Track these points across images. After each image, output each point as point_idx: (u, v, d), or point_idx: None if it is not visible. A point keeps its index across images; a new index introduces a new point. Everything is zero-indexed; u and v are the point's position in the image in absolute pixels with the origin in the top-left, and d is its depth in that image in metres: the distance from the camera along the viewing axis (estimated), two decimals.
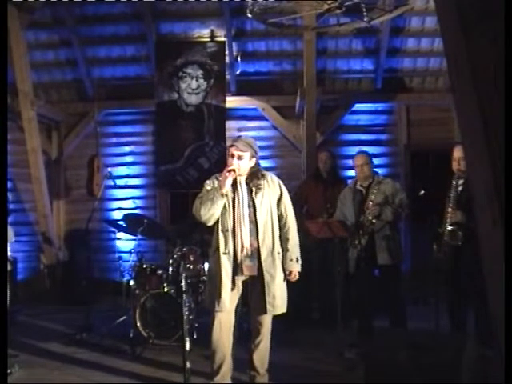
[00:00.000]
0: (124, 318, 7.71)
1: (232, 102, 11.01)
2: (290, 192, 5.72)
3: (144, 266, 7.59)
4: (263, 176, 5.46)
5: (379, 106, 11.03)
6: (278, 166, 11.00)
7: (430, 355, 4.92)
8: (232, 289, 5.35)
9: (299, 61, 10.47)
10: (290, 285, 5.52)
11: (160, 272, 7.43)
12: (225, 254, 5.33)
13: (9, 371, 5.89)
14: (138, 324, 7.06)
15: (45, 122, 11.32)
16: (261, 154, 10.55)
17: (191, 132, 10.86)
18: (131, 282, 7.61)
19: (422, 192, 6.74)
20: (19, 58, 10.03)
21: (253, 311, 5.49)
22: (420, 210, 6.95)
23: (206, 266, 7.21)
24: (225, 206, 5.36)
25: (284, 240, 5.44)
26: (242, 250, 5.30)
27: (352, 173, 10.13)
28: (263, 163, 10.70)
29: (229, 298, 5.31)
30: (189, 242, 7.77)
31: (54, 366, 6.47)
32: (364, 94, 11.04)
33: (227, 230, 5.35)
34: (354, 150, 10.48)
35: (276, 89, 11.11)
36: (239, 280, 5.40)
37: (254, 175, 5.43)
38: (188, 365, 4.67)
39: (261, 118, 11.13)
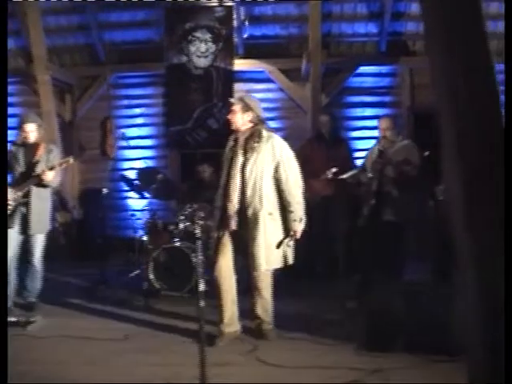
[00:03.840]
0: (137, 271, 8.08)
1: (240, 64, 11.22)
2: (294, 152, 5.85)
3: (156, 223, 7.93)
4: (260, 138, 5.58)
5: (383, 69, 11.22)
6: (284, 127, 11.22)
7: (423, 303, 5.29)
8: (219, 239, 5.64)
9: (305, 24, 10.65)
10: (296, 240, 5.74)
11: (171, 228, 7.77)
12: (216, 207, 5.68)
13: (32, 319, 6.28)
14: (151, 277, 7.41)
15: (58, 85, 11.58)
16: (268, 115, 10.85)
17: (200, 94, 11.10)
18: (144, 238, 7.99)
19: (427, 153, 7.00)
20: (33, 23, 10.28)
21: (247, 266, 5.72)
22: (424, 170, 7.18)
23: None
24: (223, 164, 5.67)
25: (286, 202, 5.55)
26: (230, 207, 5.54)
27: (356, 134, 10.51)
28: (271, 124, 10.90)
29: (220, 249, 5.62)
30: (199, 199, 8.01)
31: (73, 315, 6.83)
32: (368, 57, 11.23)
33: (221, 187, 5.65)
34: (358, 111, 10.83)
35: (282, 52, 11.29)
36: (227, 233, 5.63)
37: (252, 137, 5.59)
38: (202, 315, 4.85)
39: (268, 80, 11.35)
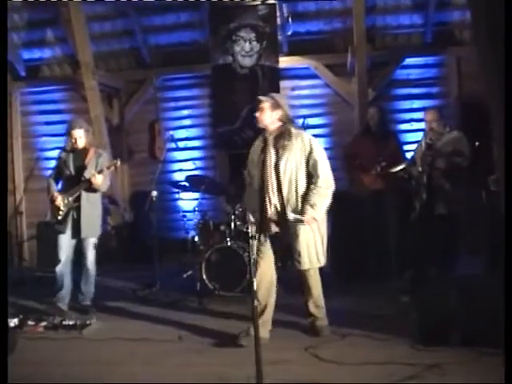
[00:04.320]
0: (190, 272, 8.14)
1: (285, 62, 11.18)
2: (342, 148, 5.79)
3: (207, 223, 7.98)
4: (290, 136, 5.54)
5: (429, 60, 11.05)
6: (331, 122, 11.22)
7: (479, 299, 5.21)
8: (260, 244, 5.61)
9: (349, 18, 10.56)
10: (346, 238, 5.70)
11: (223, 228, 7.80)
12: (248, 210, 5.66)
13: (88, 322, 6.36)
14: (204, 277, 7.45)
15: (105, 90, 11.73)
16: (315, 111, 10.88)
17: (246, 93, 11.08)
18: (196, 239, 8.04)
19: (477, 144, 6.92)
20: (79, 30, 10.44)
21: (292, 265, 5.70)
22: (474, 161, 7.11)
23: None
24: (255, 167, 5.64)
25: (311, 190, 5.47)
26: (269, 208, 5.50)
27: (404, 126, 10.43)
28: (317, 120, 10.96)
29: (261, 254, 5.59)
30: None
31: (127, 317, 6.93)
32: (414, 49, 11.07)
33: (256, 190, 5.61)
34: (406, 104, 10.71)
35: (327, 47, 11.22)
36: (267, 236, 5.62)
37: (282, 135, 5.55)
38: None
39: (313, 76, 11.30)
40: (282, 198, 5.50)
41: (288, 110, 5.72)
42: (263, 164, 5.57)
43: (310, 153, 5.50)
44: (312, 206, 5.42)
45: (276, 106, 5.63)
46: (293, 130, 5.60)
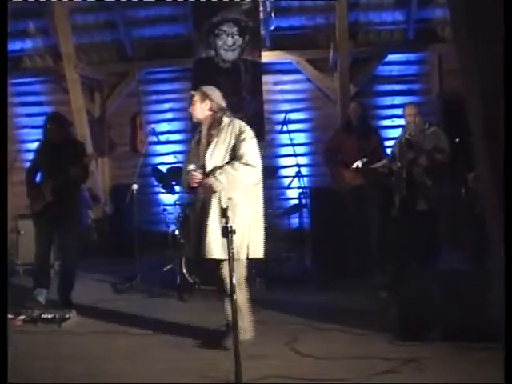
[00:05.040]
0: (170, 266, 8.14)
1: (267, 56, 11.18)
2: (324, 143, 5.74)
3: (188, 217, 7.95)
4: (220, 123, 5.49)
5: (411, 57, 11.14)
6: (313, 117, 11.27)
7: (459, 294, 5.25)
8: None
9: (332, 14, 10.58)
10: (328, 233, 5.69)
11: None
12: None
13: (67, 316, 6.34)
14: (184, 271, 7.45)
15: (87, 82, 11.71)
16: (296, 106, 10.93)
17: (229, 87, 11.04)
18: (176, 232, 8.03)
19: (457, 140, 6.96)
20: (61, 22, 10.41)
21: None
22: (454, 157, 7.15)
23: None
24: (195, 158, 5.53)
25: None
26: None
27: (386, 122, 10.45)
28: (299, 115, 11.00)
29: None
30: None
31: (107, 311, 6.88)
32: (396, 45, 11.13)
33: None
34: (387, 100, 10.77)
35: (310, 42, 11.27)
36: None
37: (213, 124, 5.51)
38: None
39: (296, 71, 11.34)
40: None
41: (219, 100, 5.65)
42: (198, 155, 5.53)
43: (239, 135, 5.40)
44: (215, 175, 5.26)
45: (204, 97, 5.59)
46: (224, 119, 5.55)
